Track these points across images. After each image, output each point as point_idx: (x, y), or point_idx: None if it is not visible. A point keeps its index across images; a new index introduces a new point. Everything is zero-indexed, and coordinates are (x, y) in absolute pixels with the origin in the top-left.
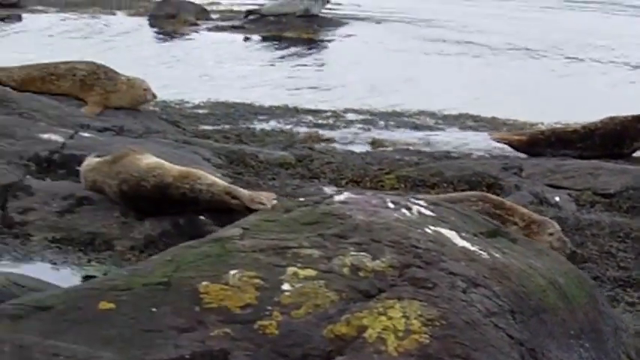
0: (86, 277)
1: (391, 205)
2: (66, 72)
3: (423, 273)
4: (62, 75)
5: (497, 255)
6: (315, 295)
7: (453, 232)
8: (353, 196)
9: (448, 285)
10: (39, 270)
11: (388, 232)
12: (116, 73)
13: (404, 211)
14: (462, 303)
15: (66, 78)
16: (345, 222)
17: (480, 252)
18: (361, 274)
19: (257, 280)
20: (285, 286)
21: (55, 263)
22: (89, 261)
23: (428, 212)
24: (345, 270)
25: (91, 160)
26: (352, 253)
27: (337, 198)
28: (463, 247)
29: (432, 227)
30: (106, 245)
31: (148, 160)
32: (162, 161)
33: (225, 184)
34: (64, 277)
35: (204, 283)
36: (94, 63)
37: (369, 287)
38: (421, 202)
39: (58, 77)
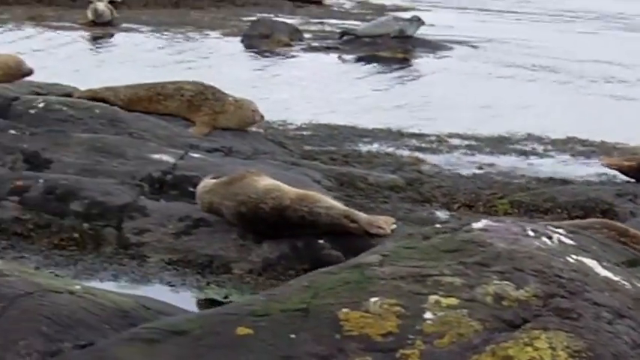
0: (207, 301)
1: (531, 234)
2: (173, 92)
3: (568, 303)
4: (170, 95)
5: (639, 285)
6: (459, 324)
7: (595, 262)
8: (492, 223)
9: (593, 316)
10: (158, 292)
11: (531, 261)
12: (223, 93)
13: (544, 239)
14: (608, 334)
15: (173, 98)
16: (487, 250)
17: (623, 282)
18: (505, 303)
19: (398, 308)
20: (428, 315)
21: (173, 285)
22: (208, 284)
23: (568, 241)
24: (489, 299)
25: (207, 182)
26: (495, 281)
27: (476, 225)
28: (605, 277)
29: (574, 256)
30: (224, 268)
31: (266, 181)
32: (280, 183)
33: (344, 207)
34: (184, 299)
35: (344, 310)
36: (201, 83)
37: (513, 317)
38: (561, 231)
39: (165, 97)
